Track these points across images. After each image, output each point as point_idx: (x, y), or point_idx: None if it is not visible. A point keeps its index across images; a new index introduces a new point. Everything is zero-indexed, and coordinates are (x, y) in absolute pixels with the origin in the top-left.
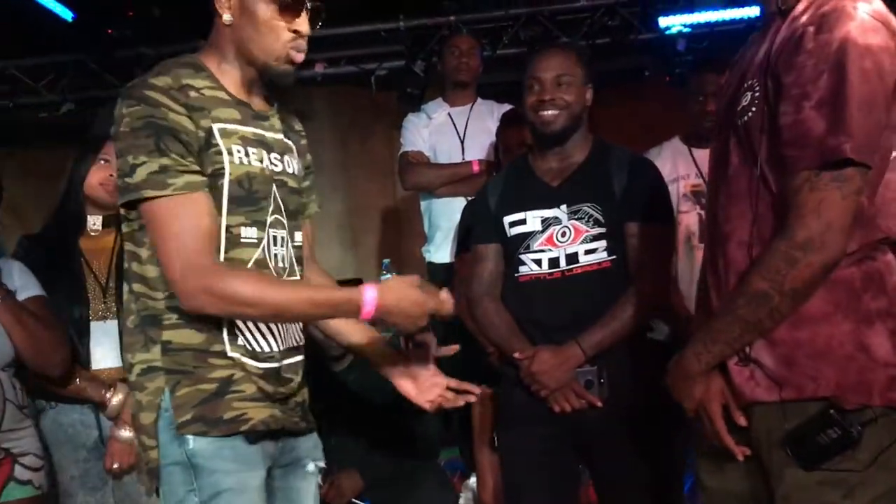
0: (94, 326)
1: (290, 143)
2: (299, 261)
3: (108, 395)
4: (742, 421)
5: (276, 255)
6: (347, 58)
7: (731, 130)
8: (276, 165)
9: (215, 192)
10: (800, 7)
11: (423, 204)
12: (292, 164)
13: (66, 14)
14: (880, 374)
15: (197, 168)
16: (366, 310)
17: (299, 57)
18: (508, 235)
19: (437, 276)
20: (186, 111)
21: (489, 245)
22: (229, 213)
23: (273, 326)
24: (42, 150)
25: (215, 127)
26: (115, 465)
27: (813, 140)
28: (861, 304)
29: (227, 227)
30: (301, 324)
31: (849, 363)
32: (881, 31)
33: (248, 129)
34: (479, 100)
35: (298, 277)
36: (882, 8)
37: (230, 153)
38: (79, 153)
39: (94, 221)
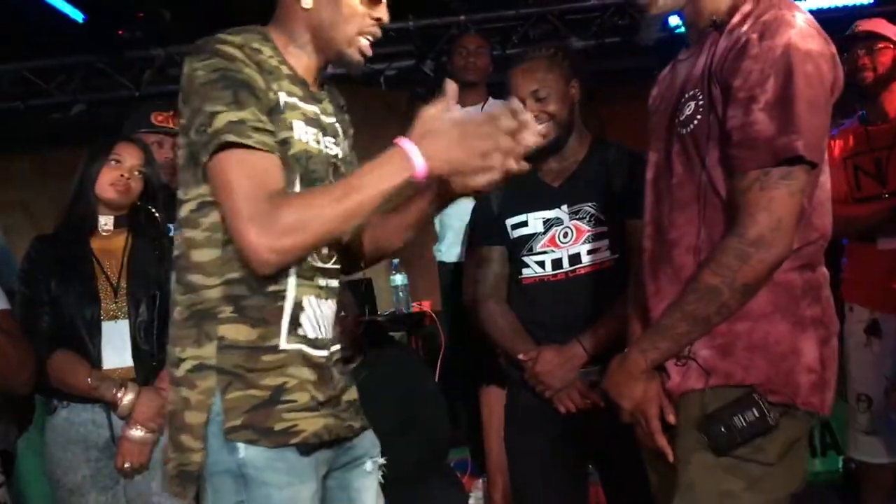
0: (106, 326)
1: (339, 126)
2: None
3: (119, 395)
4: (672, 419)
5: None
6: None
7: (673, 141)
8: (330, 148)
9: (284, 163)
10: (735, 19)
11: None
12: (342, 150)
13: (77, 15)
14: (804, 378)
15: (272, 129)
16: (416, 161)
17: (369, 49)
18: (511, 238)
19: (447, 275)
20: (259, 70)
21: (493, 247)
22: (291, 188)
23: (330, 312)
24: (53, 150)
25: (283, 97)
26: (127, 465)
27: (762, 140)
28: (799, 309)
29: None
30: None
31: (781, 361)
32: (817, 38)
33: (308, 108)
34: (491, 99)
35: (339, 267)
36: (812, 18)
37: (292, 128)
38: (90, 153)
39: (106, 222)
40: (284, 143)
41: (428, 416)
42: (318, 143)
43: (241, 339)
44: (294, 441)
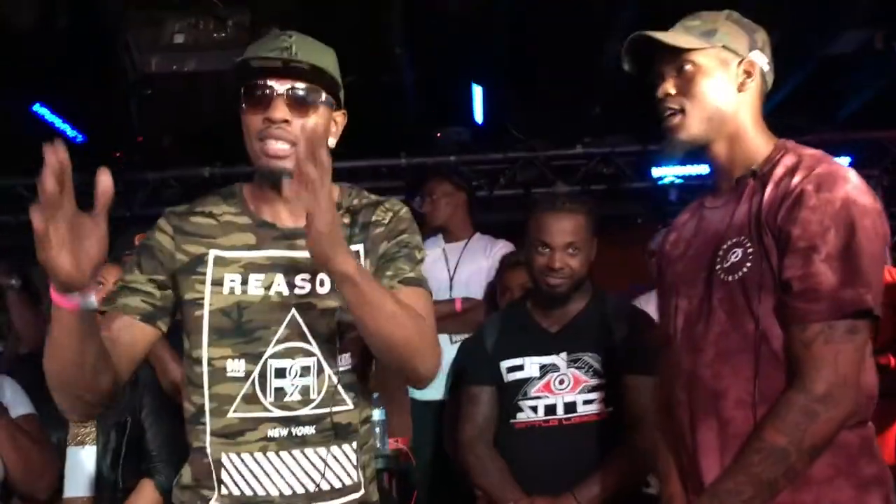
0: (71, 452)
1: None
2: (349, 387)
3: None
4: None
5: (279, 390)
6: None
7: (714, 288)
8: (301, 287)
9: (193, 321)
10: (780, 171)
11: None
12: (331, 282)
13: (77, 136)
14: None
15: (156, 292)
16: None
17: (271, 147)
18: (505, 381)
19: (423, 414)
20: (173, 232)
21: (484, 387)
22: (211, 344)
23: (278, 464)
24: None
25: (212, 254)
26: None
27: (825, 292)
28: (859, 468)
29: (210, 360)
30: (348, 455)
31: None
32: (869, 194)
33: (261, 254)
34: (477, 235)
35: (350, 406)
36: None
37: (219, 283)
38: None
39: None
40: (195, 304)
41: None
42: (267, 288)
43: (186, 481)
44: None
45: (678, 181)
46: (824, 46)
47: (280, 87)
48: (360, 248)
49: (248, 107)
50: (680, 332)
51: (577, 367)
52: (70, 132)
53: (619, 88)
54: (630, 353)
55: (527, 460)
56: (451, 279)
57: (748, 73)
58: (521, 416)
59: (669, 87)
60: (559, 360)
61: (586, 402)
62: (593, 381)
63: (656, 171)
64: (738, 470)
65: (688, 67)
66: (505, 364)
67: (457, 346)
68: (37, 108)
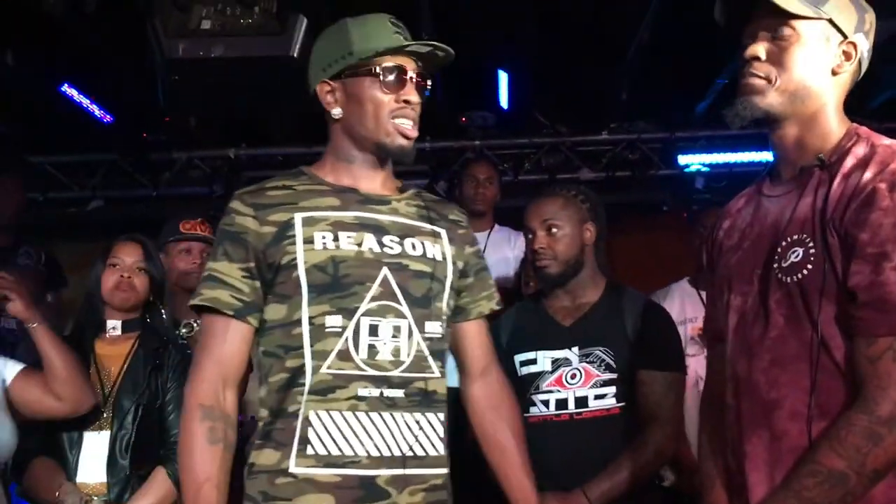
0: (88, 437)
1: (430, 227)
2: (436, 355)
3: None
4: None
5: (371, 347)
6: None
7: (771, 288)
8: (390, 248)
9: (291, 283)
10: (850, 162)
11: None
12: (422, 247)
13: (105, 117)
14: None
15: (238, 283)
16: None
17: (409, 129)
18: (519, 375)
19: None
20: (253, 211)
21: None
22: (311, 302)
23: (368, 424)
24: (65, 244)
25: (298, 217)
26: None
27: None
28: None
29: (310, 318)
30: (435, 426)
31: None
32: None
33: (349, 214)
34: (497, 226)
35: (437, 374)
36: None
37: (310, 241)
38: (99, 256)
39: (114, 325)
40: (290, 266)
41: None
42: (358, 245)
43: (263, 463)
44: None
45: (704, 169)
46: None
47: (412, 71)
48: (443, 231)
49: (384, 87)
50: (732, 331)
51: (588, 362)
52: (98, 112)
53: (646, 74)
54: (644, 347)
55: (539, 455)
56: None
57: (847, 56)
58: (533, 411)
59: (760, 50)
60: (571, 354)
61: (598, 397)
62: (605, 376)
63: (683, 159)
64: (789, 494)
65: (787, 32)
66: (519, 358)
67: None
68: (65, 88)
